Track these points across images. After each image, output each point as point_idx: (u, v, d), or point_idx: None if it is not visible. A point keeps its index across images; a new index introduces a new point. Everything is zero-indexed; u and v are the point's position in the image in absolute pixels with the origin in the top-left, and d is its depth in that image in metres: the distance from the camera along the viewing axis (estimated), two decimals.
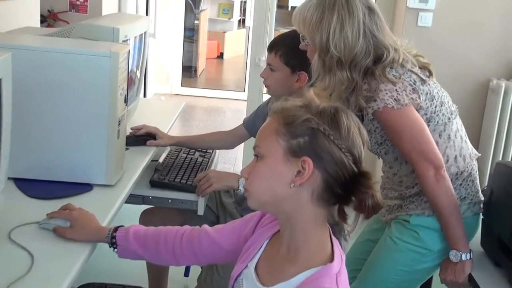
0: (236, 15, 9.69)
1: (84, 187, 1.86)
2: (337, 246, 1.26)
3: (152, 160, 2.33)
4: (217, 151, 2.65)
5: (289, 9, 8.88)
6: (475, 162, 2.01)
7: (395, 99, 1.82)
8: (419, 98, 1.86)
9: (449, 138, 1.94)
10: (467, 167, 1.96)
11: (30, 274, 1.37)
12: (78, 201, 1.77)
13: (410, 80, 1.86)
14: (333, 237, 1.28)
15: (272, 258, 1.30)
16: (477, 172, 2.01)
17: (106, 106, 1.80)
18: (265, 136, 1.25)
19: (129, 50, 1.94)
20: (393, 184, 2.04)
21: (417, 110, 1.86)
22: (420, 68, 1.92)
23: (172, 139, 2.41)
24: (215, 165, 2.52)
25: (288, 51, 2.18)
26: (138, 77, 2.54)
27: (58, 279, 1.38)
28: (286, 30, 6.78)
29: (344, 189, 1.22)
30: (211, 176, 2.17)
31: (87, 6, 4.14)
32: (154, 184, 2.22)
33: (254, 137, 2.43)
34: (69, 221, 1.56)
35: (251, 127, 2.43)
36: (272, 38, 4.86)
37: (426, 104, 1.88)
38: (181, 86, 7.37)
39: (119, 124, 1.85)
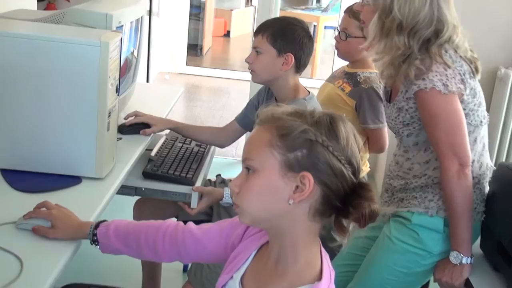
0: None
1: (73, 180, 1.81)
2: (326, 262, 1.20)
3: (146, 149, 2.27)
4: None
5: None
6: (488, 173, 1.95)
7: (443, 83, 1.77)
8: (465, 90, 1.81)
9: (475, 141, 1.89)
10: (480, 175, 1.91)
11: (9, 272, 1.32)
12: (66, 195, 1.74)
13: (461, 70, 1.81)
14: (323, 251, 1.22)
15: (259, 271, 1.24)
16: (487, 183, 1.95)
17: (95, 97, 1.73)
18: (257, 147, 1.17)
19: (121, 38, 1.87)
20: (400, 170, 1.98)
21: None
22: (469, 61, 1.87)
23: (167, 123, 2.34)
24: (211, 155, 2.46)
25: (276, 32, 2.13)
26: (134, 63, 2.47)
27: (40, 278, 1.33)
28: (294, 11, 6.70)
29: (342, 202, 1.16)
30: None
31: None
32: (147, 175, 2.17)
33: (249, 130, 2.41)
34: (49, 221, 1.51)
35: (243, 121, 2.37)
36: (278, 15, 4.83)
37: (468, 99, 1.83)
38: (186, 65, 7.28)
39: (109, 116, 1.79)
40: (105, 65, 1.72)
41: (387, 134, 2.65)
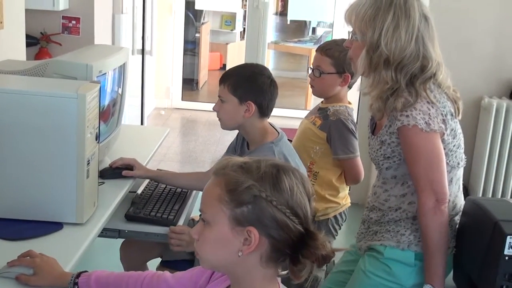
0: (239, 27, 9.71)
1: (54, 226, 1.87)
2: None
3: (130, 191, 2.34)
4: None
5: (288, 22, 8.91)
6: (460, 214, 2.00)
7: (426, 122, 1.83)
8: (446, 130, 1.87)
9: (451, 182, 1.95)
10: (453, 214, 1.97)
11: None
12: (48, 241, 1.80)
13: (443, 111, 1.87)
14: None
15: None
16: (457, 224, 2.00)
17: (73, 147, 1.81)
18: (209, 201, 1.26)
19: (100, 88, 1.95)
20: (377, 201, 2.03)
21: None
22: (452, 100, 1.93)
23: (149, 172, 2.40)
24: (194, 195, 2.52)
25: (236, 81, 2.21)
26: (119, 107, 2.55)
27: None
28: (287, 44, 6.77)
29: (292, 249, 1.23)
30: (185, 240, 2.16)
31: (79, 28, 4.19)
32: (129, 218, 2.22)
33: None
34: (32, 269, 1.57)
35: None
36: (266, 50, 4.93)
37: (448, 139, 1.89)
38: (182, 100, 7.39)
39: (88, 164, 1.86)
40: (83, 116, 1.79)
41: (360, 164, 2.71)
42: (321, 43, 3.13)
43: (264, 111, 2.23)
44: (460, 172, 1.99)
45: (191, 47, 8.43)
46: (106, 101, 2.36)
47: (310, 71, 2.75)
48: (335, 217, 2.76)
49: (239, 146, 2.38)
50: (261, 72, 2.24)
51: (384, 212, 2.00)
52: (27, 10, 3.01)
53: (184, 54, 7.75)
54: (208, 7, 8.68)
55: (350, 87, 2.75)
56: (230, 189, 1.22)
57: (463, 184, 4.04)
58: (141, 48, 5.28)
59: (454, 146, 1.91)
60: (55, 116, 1.79)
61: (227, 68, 9.50)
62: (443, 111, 1.87)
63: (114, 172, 2.30)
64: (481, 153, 4.04)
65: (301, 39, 8.04)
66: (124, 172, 2.30)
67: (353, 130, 2.65)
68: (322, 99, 2.81)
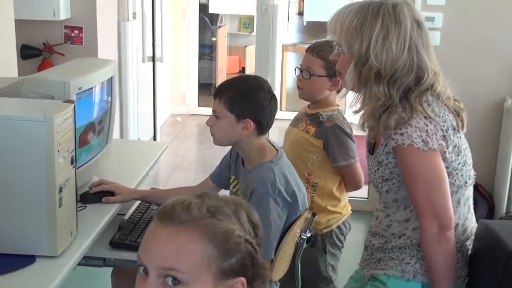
0: None
1: (26, 260, 1.72)
2: None
3: (118, 214, 2.18)
4: None
5: (305, 24, 8.70)
6: (472, 238, 1.81)
7: (423, 140, 1.64)
8: (447, 147, 1.68)
9: (459, 203, 1.75)
10: (464, 239, 1.77)
11: None
12: (19, 276, 1.67)
13: (444, 126, 1.68)
14: None
15: None
16: (470, 248, 1.80)
17: (42, 174, 1.66)
18: (189, 258, 1.07)
19: (74, 108, 1.80)
20: (379, 227, 1.86)
21: None
22: (453, 113, 1.73)
23: (133, 193, 2.23)
24: None
25: (233, 97, 2.02)
26: (108, 125, 2.39)
27: None
28: (303, 45, 6.60)
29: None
30: None
31: (82, 37, 4.07)
32: (114, 245, 2.07)
33: (224, 188, 2.30)
34: None
35: (218, 178, 2.28)
36: (276, 54, 4.74)
37: (451, 157, 1.70)
38: (198, 106, 7.26)
39: (60, 191, 1.71)
40: (51, 140, 1.65)
41: (360, 169, 2.53)
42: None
43: (263, 128, 2.07)
44: (469, 192, 1.78)
45: (208, 51, 8.29)
46: (93, 118, 2.22)
47: (297, 72, 2.56)
48: (338, 227, 2.61)
49: (233, 162, 2.22)
50: (260, 87, 2.06)
51: (387, 238, 1.81)
52: (28, 21, 2.90)
53: (201, 58, 7.62)
54: (222, 10, 8.52)
55: (339, 91, 2.58)
56: (218, 241, 1.07)
57: (486, 191, 3.86)
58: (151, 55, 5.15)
59: (459, 164, 1.71)
60: (22, 141, 1.65)
61: (247, 71, 9.38)
62: (443, 126, 1.67)
63: (94, 196, 2.13)
64: (505, 157, 3.82)
65: (318, 40, 7.86)
66: (104, 199, 2.13)
67: (350, 133, 2.50)
68: (308, 104, 2.64)
